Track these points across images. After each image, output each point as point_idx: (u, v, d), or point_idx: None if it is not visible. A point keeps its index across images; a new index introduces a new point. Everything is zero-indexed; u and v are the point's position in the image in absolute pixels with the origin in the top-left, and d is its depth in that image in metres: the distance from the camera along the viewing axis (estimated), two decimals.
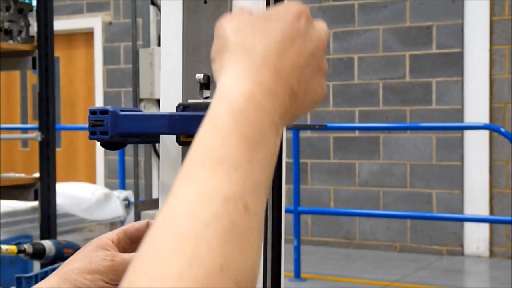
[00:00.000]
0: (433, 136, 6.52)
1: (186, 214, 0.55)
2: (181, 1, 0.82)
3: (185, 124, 0.78)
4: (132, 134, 0.76)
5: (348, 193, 6.86)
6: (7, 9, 3.44)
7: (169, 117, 0.78)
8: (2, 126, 6.62)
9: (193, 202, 0.56)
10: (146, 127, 0.76)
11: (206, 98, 0.81)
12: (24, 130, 7.63)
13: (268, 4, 0.80)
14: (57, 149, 4.29)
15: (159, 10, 4.23)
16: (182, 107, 0.81)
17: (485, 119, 6.28)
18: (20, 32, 3.52)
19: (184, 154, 0.82)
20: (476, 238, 6.40)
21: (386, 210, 6.65)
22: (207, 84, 0.80)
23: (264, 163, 0.60)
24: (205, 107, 0.79)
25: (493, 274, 5.94)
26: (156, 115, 0.78)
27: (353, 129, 6.75)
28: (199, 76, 0.80)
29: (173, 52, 0.83)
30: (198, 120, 0.78)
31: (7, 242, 3.54)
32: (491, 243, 6.37)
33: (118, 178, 6.89)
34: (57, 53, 6.47)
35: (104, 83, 8.03)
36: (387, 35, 6.68)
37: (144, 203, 4.12)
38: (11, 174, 4.53)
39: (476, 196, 6.38)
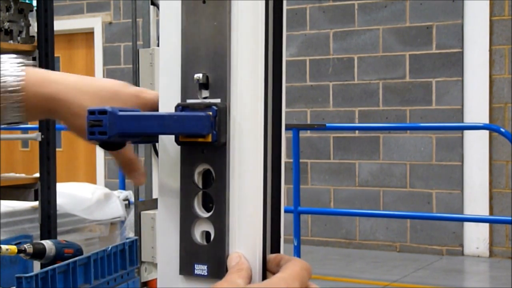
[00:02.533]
0: (433, 136, 6.52)
1: None
2: (180, 1, 0.82)
3: (184, 124, 0.78)
4: (131, 134, 0.76)
5: (348, 193, 6.86)
6: (7, 9, 3.44)
7: (168, 117, 0.78)
8: (2, 126, 6.62)
9: None
10: (145, 127, 0.76)
11: (205, 98, 0.81)
12: (24, 130, 7.62)
13: (267, 5, 0.79)
14: (57, 149, 4.28)
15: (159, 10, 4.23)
16: (181, 107, 0.81)
17: (485, 119, 6.28)
18: (20, 32, 3.52)
19: (183, 154, 0.82)
20: (476, 238, 6.40)
21: (386, 210, 6.65)
22: (206, 84, 0.81)
23: None
24: (204, 107, 0.80)
25: (493, 274, 5.94)
26: (155, 115, 0.78)
27: (353, 129, 6.75)
28: (198, 76, 0.80)
29: (172, 52, 0.83)
30: (197, 120, 0.79)
31: (7, 242, 3.54)
32: (491, 243, 6.37)
33: (118, 178, 6.89)
34: (57, 53, 6.46)
35: None
36: (387, 35, 6.68)
37: (144, 203, 4.11)
38: (11, 174, 4.53)
39: (476, 196, 6.39)
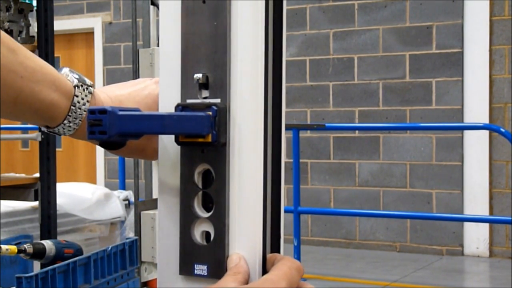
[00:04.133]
0: (433, 136, 6.52)
1: None
2: (180, 1, 0.82)
3: (184, 124, 0.78)
4: (131, 134, 0.76)
5: (348, 193, 6.86)
6: (8, 9, 3.44)
7: (168, 117, 0.78)
8: (2, 126, 6.62)
9: None
10: (145, 127, 0.76)
11: (205, 98, 0.81)
12: (24, 130, 7.63)
13: (267, 5, 0.79)
14: (57, 149, 4.28)
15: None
16: (181, 107, 0.81)
17: (485, 119, 6.28)
18: (20, 32, 3.52)
19: (183, 154, 0.82)
20: (476, 238, 6.40)
21: (386, 210, 6.65)
22: (206, 84, 0.81)
23: None
24: (204, 107, 0.80)
25: (493, 274, 5.94)
26: (154, 115, 0.78)
27: (353, 129, 6.75)
28: (198, 76, 0.80)
29: (172, 52, 0.83)
30: (196, 120, 0.78)
31: (7, 242, 3.54)
32: (491, 243, 6.37)
33: (118, 178, 6.89)
34: (57, 53, 6.47)
35: (104, 83, 8.04)
36: (387, 35, 6.68)
37: (144, 203, 4.12)
38: (11, 174, 4.53)
39: (476, 196, 6.39)
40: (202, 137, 0.79)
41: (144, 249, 3.98)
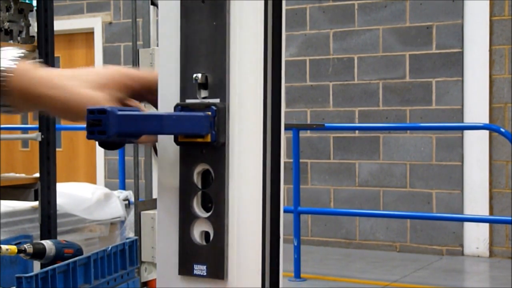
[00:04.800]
0: (433, 136, 6.52)
1: None
2: (179, 1, 0.82)
3: (183, 124, 0.78)
4: (130, 133, 0.76)
5: (348, 193, 6.86)
6: (8, 9, 3.44)
7: (167, 117, 0.78)
8: (2, 126, 6.62)
9: None
10: (144, 127, 0.76)
11: (204, 98, 0.81)
12: (24, 130, 7.62)
13: (266, 4, 0.79)
14: (57, 149, 4.28)
15: None
16: (180, 107, 0.81)
17: (485, 119, 6.28)
18: (20, 32, 3.52)
19: (182, 154, 0.82)
20: (476, 238, 6.40)
21: (386, 210, 6.65)
22: (205, 84, 0.81)
23: None
24: (203, 107, 0.80)
25: (493, 274, 5.94)
26: (154, 115, 0.78)
27: (353, 129, 6.75)
28: (197, 76, 0.80)
29: (171, 52, 0.83)
30: (196, 120, 0.79)
31: (7, 242, 3.53)
32: (491, 243, 6.37)
33: (118, 178, 6.89)
34: (57, 53, 6.46)
35: None
36: (387, 35, 6.68)
37: (144, 203, 4.11)
38: (11, 174, 4.52)
39: (476, 196, 6.38)
40: (202, 137, 0.79)
41: (144, 249, 3.98)
